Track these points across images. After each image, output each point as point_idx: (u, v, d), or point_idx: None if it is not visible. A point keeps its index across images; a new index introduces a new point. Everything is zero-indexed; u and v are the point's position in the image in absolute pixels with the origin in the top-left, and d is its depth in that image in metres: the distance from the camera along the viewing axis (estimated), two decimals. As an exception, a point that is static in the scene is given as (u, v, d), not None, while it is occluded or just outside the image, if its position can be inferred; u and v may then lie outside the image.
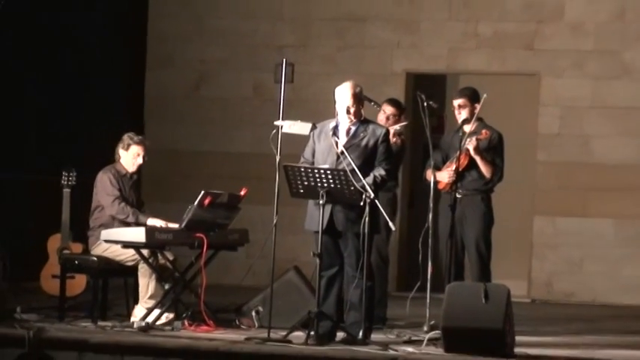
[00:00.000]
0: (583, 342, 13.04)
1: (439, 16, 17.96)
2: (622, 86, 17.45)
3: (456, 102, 13.42)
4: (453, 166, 13.00)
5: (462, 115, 13.30)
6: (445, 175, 13.10)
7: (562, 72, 17.65)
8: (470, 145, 13.00)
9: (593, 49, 17.58)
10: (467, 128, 13.22)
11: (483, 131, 13.16)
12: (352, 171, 11.74)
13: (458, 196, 13.13)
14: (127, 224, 12.91)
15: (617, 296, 17.24)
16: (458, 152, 13.04)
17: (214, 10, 18.43)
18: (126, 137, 13.31)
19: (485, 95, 13.25)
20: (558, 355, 12.00)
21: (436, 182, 13.05)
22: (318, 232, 11.98)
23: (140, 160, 13.26)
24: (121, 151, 13.25)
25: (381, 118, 13.20)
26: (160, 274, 13.02)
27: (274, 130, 12.42)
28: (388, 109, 13.44)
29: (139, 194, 13.46)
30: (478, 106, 13.27)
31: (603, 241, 17.49)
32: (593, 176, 17.51)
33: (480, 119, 13.32)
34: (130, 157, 13.21)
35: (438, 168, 13.19)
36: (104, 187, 13.12)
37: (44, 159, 14.33)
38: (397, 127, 13.34)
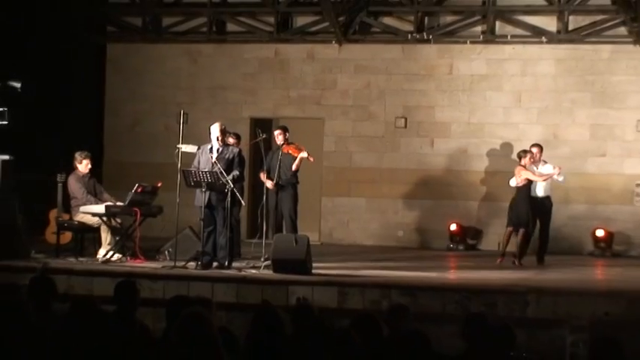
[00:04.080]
0: (349, 266, 13.34)
1: (267, 86, 17.89)
2: (368, 125, 17.53)
3: (276, 132, 13.58)
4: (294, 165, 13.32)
5: (279, 140, 13.43)
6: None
7: (336, 117, 17.66)
8: (305, 153, 13.22)
9: (352, 104, 17.61)
10: (283, 147, 13.39)
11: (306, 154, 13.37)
12: (220, 173, 11.89)
13: (279, 184, 13.30)
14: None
15: (366, 240, 17.37)
16: (279, 160, 13.18)
17: (141, 83, 18.22)
18: (77, 155, 13.44)
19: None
20: (336, 273, 12.23)
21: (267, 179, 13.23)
22: (201, 206, 12.12)
23: (89, 166, 13.30)
24: (77, 164, 13.25)
25: (232, 141, 13.23)
26: (113, 230, 13.01)
27: (176, 150, 12.50)
28: (233, 138, 13.47)
29: (94, 184, 13.41)
30: (288, 135, 13.44)
31: (359, 210, 17.57)
32: (353, 174, 17.58)
33: (291, 142, 13.45)
34: (83, 166, 13.29)
35: (268, 171, 13.26)
36: (75, 186, 13.16)
37: (48, 167, 14.12)
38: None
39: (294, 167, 13.34)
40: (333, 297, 10.97)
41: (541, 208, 14.17)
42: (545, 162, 14.40)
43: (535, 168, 14.18)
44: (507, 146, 16.93)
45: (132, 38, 18.52)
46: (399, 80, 17.49)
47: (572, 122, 16.83)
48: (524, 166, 14.03)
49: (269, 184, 13.26)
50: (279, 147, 13.45)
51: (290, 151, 13.33)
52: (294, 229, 13.22)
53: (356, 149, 17.65)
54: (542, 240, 14.32)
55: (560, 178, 14.25)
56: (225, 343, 5.06)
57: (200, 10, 18.14)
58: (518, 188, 14.11)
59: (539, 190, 14.16)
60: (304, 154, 13.32)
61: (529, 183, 14.02)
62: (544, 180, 14.12)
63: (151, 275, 11.51)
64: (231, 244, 12.42)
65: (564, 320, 9.97)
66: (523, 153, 14.22)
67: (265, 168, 13.27)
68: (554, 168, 14.15)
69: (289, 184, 13.41)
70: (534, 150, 14.35)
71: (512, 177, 14.23)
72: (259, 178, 13.67)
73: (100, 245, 13.03)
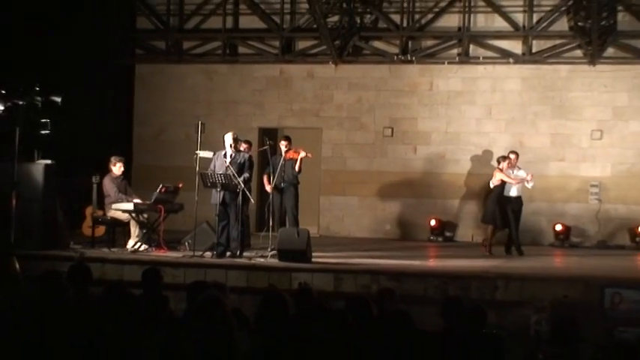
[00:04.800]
0: (344, 255, 13.24)
1: (273, 100, 17.89)
2: (361, 134, 17.54)
3: (282, 142, 13.51)
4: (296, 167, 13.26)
5: (284, 147, 13.37)
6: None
7: (333, 127, 17.67)
8: (303, 152, 13.15)
9: (346, 116, 17.62)
10: (286, 154, 13.33)
11: (304, 153, 13.27)
12: (233, 175, 11.88)
13: (283, 186, 13.26)
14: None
15: (358, 233, 17.34)
16: (282, 165, 13.13)
17: (165, 98, 18.23)
18: (112, 159, 13.38)
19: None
20: (332, 262, 12.21)
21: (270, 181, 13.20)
22: (217, 204, 12.12)
23: (122, 169, 13.26)
24: (112, 166, 13.20)
25: (244, 147, 13.20)
26: (141, 225, 12.99)
27: (195, 155, 12.49)
28: (245, 145, 13.41)
29: (126, 185, 13.37)
30: (290, 144, 13.38)
31: (352, 207, 17.56)
32: (347, 176, 17.57)
33: (290, 148, 13.40)
34: (117, 168, 13.22)
35: (272, 174, 13.24)
36: (109, 186, 13.11)
37: (84, 170, 14.13)
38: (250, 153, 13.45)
39: (297, 168, 13.33)
40: (330, 282, 10.96)
41: (514, 206, 14.14)
42: (520, 168, 14.36)
43: (511, 172, 14.14)
44: (479, 152, 16.97)
45: (157, 59, 18.52)
46: (386, 96, 17.49)
47: (535, 132, 16.84)
48: (502, 170, 14.00)
49: (268, 187, 13.28)
50: (280, 154, 13.44)
51: (291, 156, 13.32)
52: (295, 223, 13.22)
53: (349, 155, 17.64)
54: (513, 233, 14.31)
55: (530, 184, 14.20)
56: (237, 322, 5.06)
57: (215, 35, 18.14)
58: (492, 188, 14.11)
59: (513, 191, 14.10)
60: (303, 154, 13.31)
61: (503, 184, 13.99)
62: (517, 183, 14.06)
63: (173, 263, 11.49)
64: (242, 237, 12.42)
65: (529, 302, 9.96)
66: (502, 158, 14.14)
67: (268, 171, 13.35)
68: (527, 174, 14.12)
69: (292, 184, 13.40)
70: (512, 156, 14.28)
71: (490, 179, 14.21)
72: (263, 180, 13.70)
73: (129, 237, 13.02)
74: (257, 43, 18.09)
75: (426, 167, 17.23)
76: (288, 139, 13.52)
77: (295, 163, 13.32)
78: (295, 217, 13.36)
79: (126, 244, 12.98)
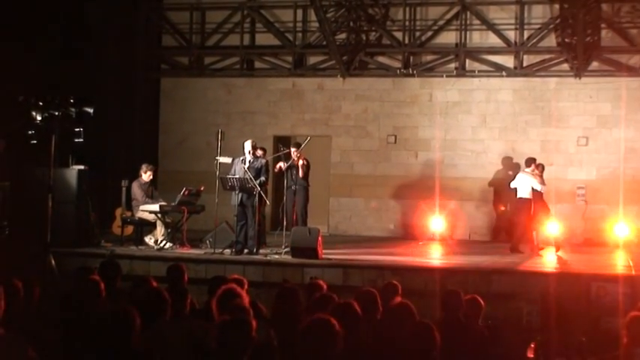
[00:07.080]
0: (352, 252, 13.17)
1: (286, 110, 17.89)
2: (367, 141, 17.52)
3: (292, 148, 13.47)
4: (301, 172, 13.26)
5: (293, 154, 13.30)
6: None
7: (341, 135, 17.64)
8: (301, 160, 13.16)
9: (353, 125, 17.61)
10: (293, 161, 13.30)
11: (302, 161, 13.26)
12: (250, 179, 11.87)
13: (293, 188, 13.24)
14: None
15: (365, 232, 17.28)
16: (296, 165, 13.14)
17: (188, 109, 18.24)
18: (143, 166, 13.37)
19: (309, 138, 13.29)
20: (341, 258, 12.14)
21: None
22: (235, 205, 12.12)
23: (151, 177, 13.25)
24: (142, 173, 13.21)
25: (260, 153, 13.16)
26: (166, 225, 12.99)
27: (215, 161, 12.50)
28: (260, 151, 13.35)
29: (152, 190, 13.36)
30: (299, 151, 13.33)
31: (358, 208, 17.51)
32: (354, 180, 17.54)
33: (299, 156, 13.34)
34: (147, 175, 13.23)
35: (289, 176, 13.24)
36: (136, 191, 13.12)
37: (114, 175, 14.12)
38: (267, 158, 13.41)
39: (300, 174, 13.33)
40: (339, 276, 10.95)
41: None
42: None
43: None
44: (475, 157, 16.92)
45: (180, 74, 18.53)
46: (390, 106, 17.46)
47: (526, 139, 16.78)
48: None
49: (282, 165, 13.29)
50: (292, 159, 13.43)
51: (296, 163, 13.32)
52: (303, 222, 13.22)
53: (356, 160, 17.61)
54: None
55: None
56: (254, 312, 5.04)
57: (234, 51, 18.15)
58: (539, 192, 13.66)
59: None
60: (301, 162, 13.31)
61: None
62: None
63: (195, 260, 11.50)
64: (258, 235, 12.40)
65: (521, 294, 9.92)
66: (541, 166, 13.81)
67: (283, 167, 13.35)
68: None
69: (302, 187, 13.40)
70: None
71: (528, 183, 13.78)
72: (278, 168, 13.65)
73: (148, 233, 13.13)
74: (272, 58, 18.09)
75: (426, 171, 17.18)
76: (295, 145, 13.51)
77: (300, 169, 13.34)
78: (303, 216, 13.37)
79: (147, 238, 13.08)
